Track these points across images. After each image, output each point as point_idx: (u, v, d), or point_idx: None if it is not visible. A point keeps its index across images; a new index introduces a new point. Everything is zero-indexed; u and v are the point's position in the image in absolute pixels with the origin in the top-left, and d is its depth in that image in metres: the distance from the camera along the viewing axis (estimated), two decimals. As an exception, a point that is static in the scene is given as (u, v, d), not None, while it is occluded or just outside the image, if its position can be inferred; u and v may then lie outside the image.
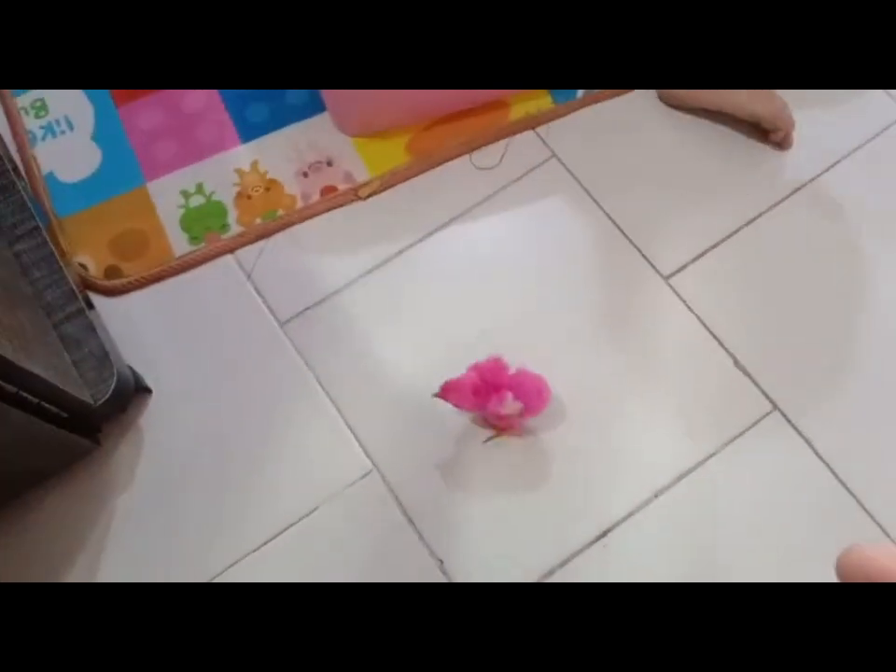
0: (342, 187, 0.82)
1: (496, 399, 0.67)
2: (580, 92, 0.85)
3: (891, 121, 0.85)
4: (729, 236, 0.80)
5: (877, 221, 0.81)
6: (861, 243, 0.80)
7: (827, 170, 0.83)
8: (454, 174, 0.82)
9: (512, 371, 0.69)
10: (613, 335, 0.76)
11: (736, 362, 0.74)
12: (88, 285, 0.78)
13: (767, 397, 0.73)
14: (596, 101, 0.85)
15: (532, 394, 0.68)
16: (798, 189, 0.82)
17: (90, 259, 0.79)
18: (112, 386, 0.65)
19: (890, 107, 0.85)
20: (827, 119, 0.84)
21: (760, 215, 0.81)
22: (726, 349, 0.75)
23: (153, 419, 0.73)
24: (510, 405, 0.67)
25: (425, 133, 0.84)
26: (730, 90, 0.82)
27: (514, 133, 0.84)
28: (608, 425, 0.72)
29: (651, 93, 0.86)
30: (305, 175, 0.83)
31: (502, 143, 0.84)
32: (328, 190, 0.82)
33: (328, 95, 0.81)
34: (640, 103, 0.86)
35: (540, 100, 0.85)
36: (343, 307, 0.77)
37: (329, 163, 0.83)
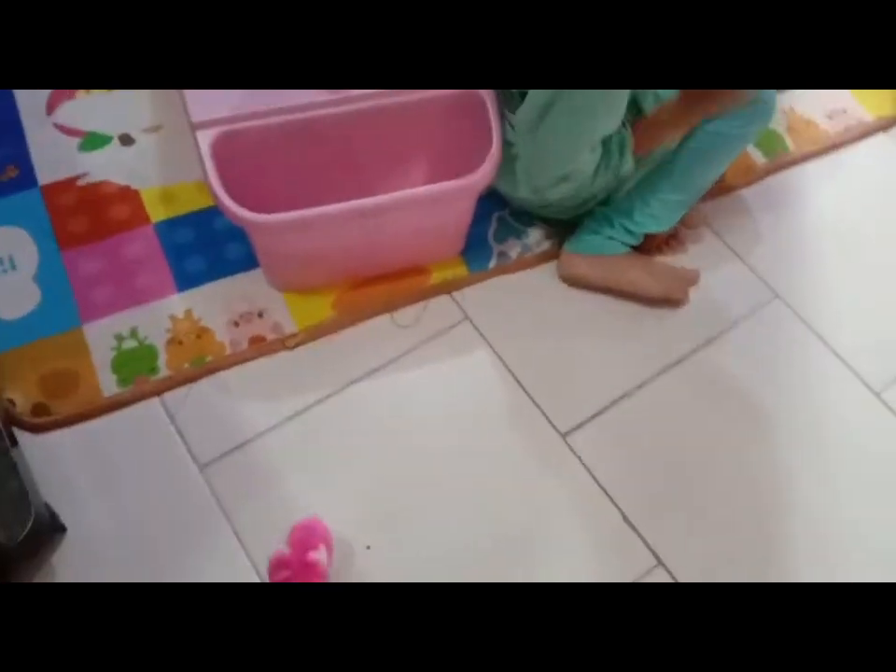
0: (270, 337, 0.88)
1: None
2: (491, 263, 0.95)
3: (766, 301, 0.97)
4: (624, 396, 0.89)
5: (759, 387, 0.91)
6: (745, 406, 0.90)
7: (712, 340, 0.93)
8: (375, 330, 0.90)
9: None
10: (513, 488, 0.82)
11: (625, 517, 0.81)
12: (14, 421, 0.80)
13: (653, 552, 0.79)
14: (506, 272, 0.95)
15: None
16: (687, 355, 0.92)
17: (19, 396, 0.82)
18: (28, 527, 0.66)
19: (762, 290, 0.97)
20: (715, 296, 0.96)
21: (653, 377, 0.90)
22: (616, 505, 0.81)
23: (66, 558, 0.74)
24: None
25: (350, 292, 0.92)
26: (624, 269, 0.93)
27: (432, 295, 0.93)
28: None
29: (554, 269, 0.96)
30: (236, 324, 0.89)
31: (421, 304, 0.92)
32: (256, 340, 0.88)
33: (261, 254, 0.89)
34: (545, 275, 0.96)
35: (457, 268, 0.95)
36: (262, 453, 0.82)
37: (260, 315, 0.90)
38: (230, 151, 0.77)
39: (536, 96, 0.79)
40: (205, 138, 0.76)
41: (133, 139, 1.02)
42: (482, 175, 0.80)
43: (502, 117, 0.83)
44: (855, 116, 1.12)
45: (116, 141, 1.02)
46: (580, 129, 0.82)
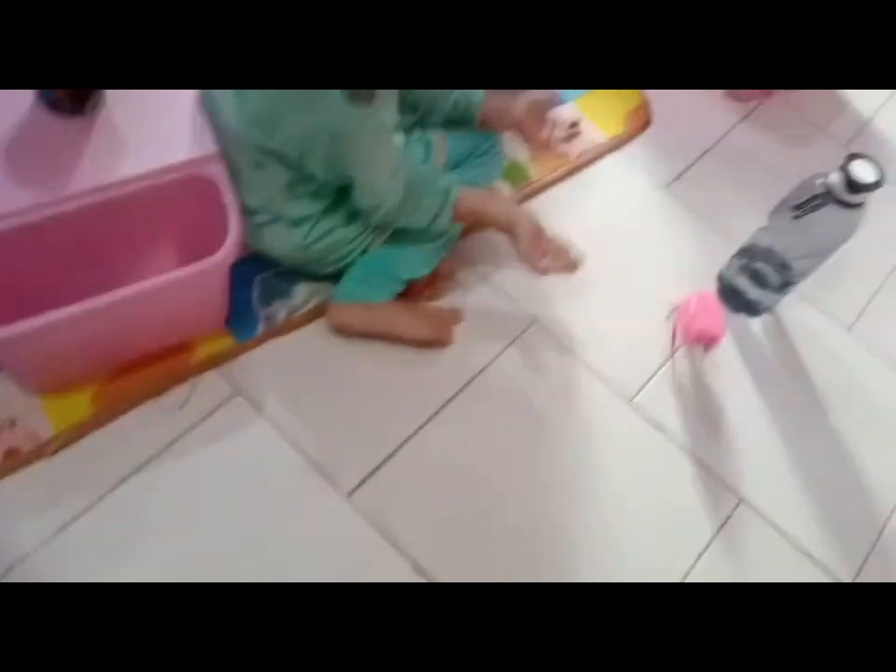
0: (26, 447, 0.83)
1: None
2: (259, 329, 0.95)
3: (526, 327, 1.03)
4: (405, 442, 0.92)
5: (526, 408, 0.97)
6: (521, 424, 0.96)
7: (484, 369, 0.98)
8: (142, 420, 0.87)
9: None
10: (301, 558, 0.84)
11: (416, 566, 0.84)
12: None
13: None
14: (276, 335, 0.96)
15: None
16: (460, 390, 0.96)
17: None
18: None
19: (523, 317, 1.04)
20: (480, 329, 1.01)
21: (431, 418, 0.94)
22: (406, 555, 0.85)
23: None
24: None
25: (111, 383, 0.88)
26: (390, 315, 0.97)
27: (199, 373, 0.91)
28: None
29: (324, 325, 0.98)
30: (-15, 439, 0.83)
31: (188, 384, 0.90)
32: (10, 453, 0.83)
33: (3, 355, 0.84)
34: (317, 332, 0.97)
35: (223, 340, 0.93)
36: (34, 573, 0.78)
37: (12, 424, 0.84)
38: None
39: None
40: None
41: None
42: (223, 256, 0.79)
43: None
44: (590, 139, 1.21)
45: None
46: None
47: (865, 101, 1.38)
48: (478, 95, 1.01)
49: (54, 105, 0.78)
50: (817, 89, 0.99)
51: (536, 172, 1.15)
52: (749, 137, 1.29)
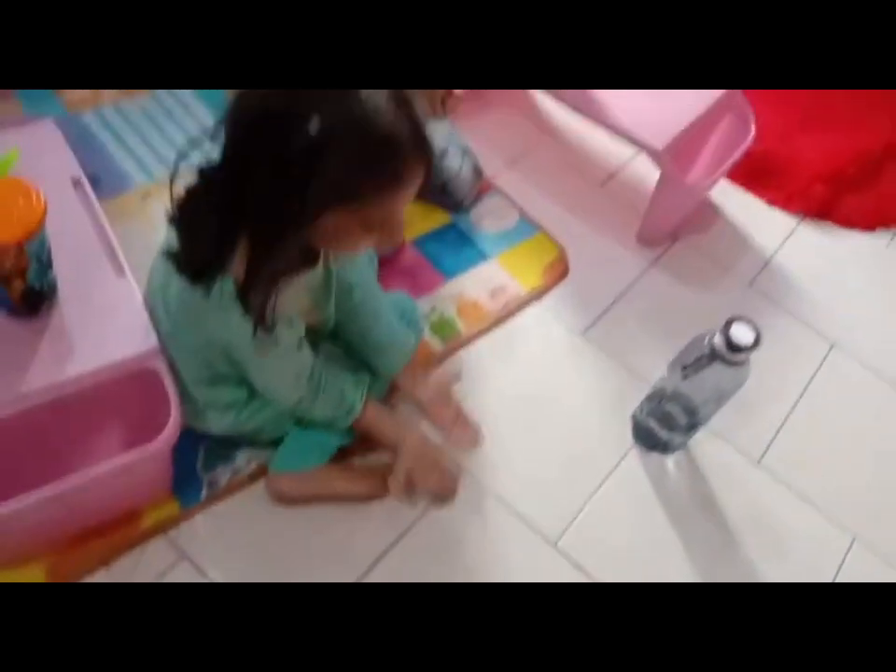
0: (-22, 624, 0.89)
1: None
2: (203, 494, 1.03)
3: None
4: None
5: (459, 558, 1.04)
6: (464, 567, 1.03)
7: (425, 513, 1.06)
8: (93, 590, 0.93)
9: None
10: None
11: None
12: None
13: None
14: (218, 499, 1.03)
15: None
16: (395, 541, 1.03)
17: None
18: None
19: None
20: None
21: (361, 577, 1.01)
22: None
23: None
24: None
25: (62, 556, 0.94)
26: (327, 479, 1.04)
27: (147, 539, 0.98)
28: None
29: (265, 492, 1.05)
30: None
31: (137, 551, 0.97)
32: (-37, 632, 0.88)
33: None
34: (257, 495, 1.05)
35: (169, 506, 1.01)
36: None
37: (-34, 602, 0.90)
38: None
39: None
40: None
41: None
42: (165, 440, 0.88)
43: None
44: (512, 291, 1.32)
45: None
46: None
47: (766, 239, 1.53)
48: (395, 366, 1.10)
49: (12, 310, 0.88)
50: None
51: (464, 327, 1.26)
52: (658, 281, 1.41)
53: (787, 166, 1.62)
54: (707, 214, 1.53)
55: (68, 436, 0.92)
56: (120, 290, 0.93)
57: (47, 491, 0.82)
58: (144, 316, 0.91)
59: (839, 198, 1.60)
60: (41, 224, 0.80)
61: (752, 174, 1.59)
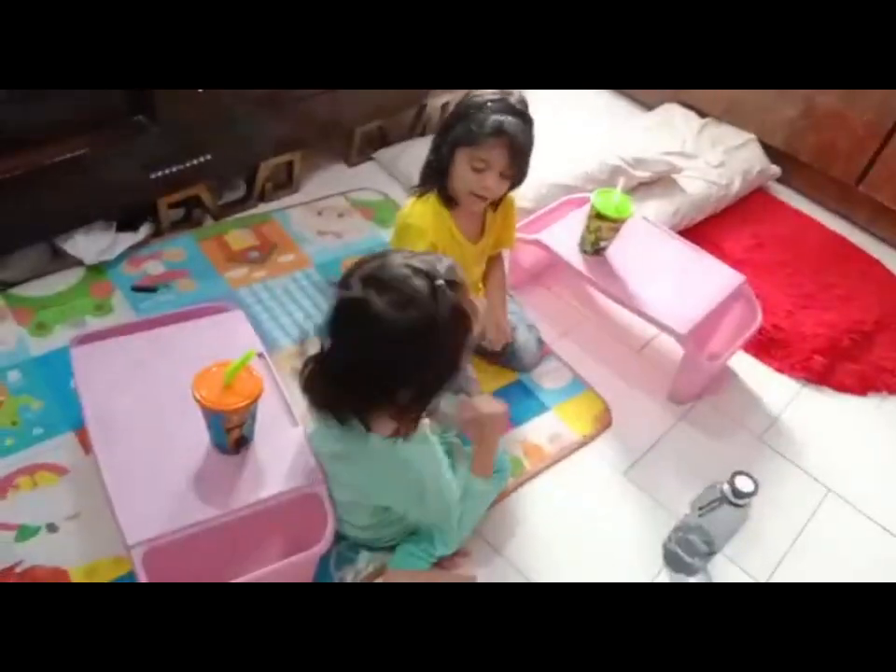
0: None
1: None
2: (335, 589, 1.36)
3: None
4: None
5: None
6: None
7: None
8: None
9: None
10: None
11: None
12: None
13: None
14: (346, 594, 1.36)
15: None
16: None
17: None
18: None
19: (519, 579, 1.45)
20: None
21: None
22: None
23: None
24: None
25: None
26: (429, 579, 1.37)
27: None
28: None
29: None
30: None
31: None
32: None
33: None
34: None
35: (310, 597, 1.34)
36: None
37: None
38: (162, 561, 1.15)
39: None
40: (138, 555, 1.14)
41: (57, 527, 1.37)
42: (321, 548, 1.22)
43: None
44: (567, 437, 1.68)
45: (44, 530, 1.36)
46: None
47: (774, 400, 1.87)
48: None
49: (224, 450, 1.26)
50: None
51: (529, 465, 1.61)
52: (685, 433, 1.75)
53: (791, 339, 1.98)
54: (725, 378, 1.89)
55: (247, 540, 1.27)
56: (294, 436, 1.31)
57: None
58: (311, 456, 1.29)
59: (835, 366, 1.95)
60: (260, 395, 1.20)
61: (762, 345, 1.96)
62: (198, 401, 1.17)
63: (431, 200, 1.54)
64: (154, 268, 1.87)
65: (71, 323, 1.70)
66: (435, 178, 1.52)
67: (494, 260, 1.74)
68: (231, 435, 1.23)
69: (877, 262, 2.33)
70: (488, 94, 1.43)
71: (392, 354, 1.06)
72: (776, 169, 2.52)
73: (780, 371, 1.94)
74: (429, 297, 1.04)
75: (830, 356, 1.96)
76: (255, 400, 1.20)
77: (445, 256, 1.13)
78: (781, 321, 2.01)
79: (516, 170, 1.46)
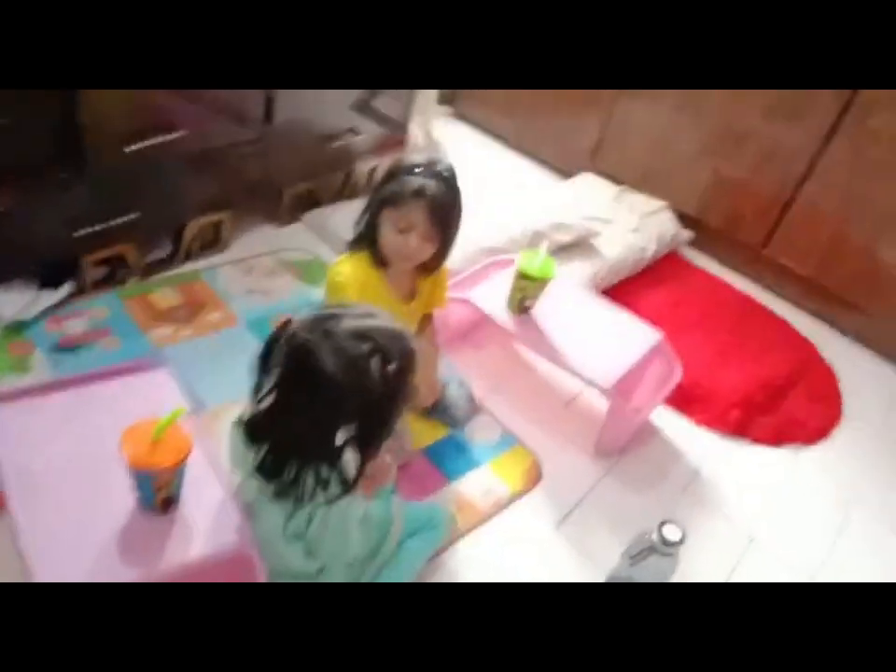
0: None
1: None
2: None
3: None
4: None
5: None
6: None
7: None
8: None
9: None
10: None
11: None
12: None
13: None
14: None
15: None
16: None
17: None
18: None
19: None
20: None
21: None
22: None
23: None
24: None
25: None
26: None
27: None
28: None
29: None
30: None
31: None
32: None
33: None
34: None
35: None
36: None
37: None
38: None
39: (295, 514, 1.22)
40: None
41: (-38, 599, 1.28)
42: (253, 608, 1.19)
43: None
44: (500, 492, 1.69)
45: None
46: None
47: (696, 453, 1.94)
48: None
49: (151, 510, 1.22)
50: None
51: (462, 521, 1.61)
52: (612, 485, 1.79)
53: (709, 394, 2.07)
54: (648, 432, 1.95)
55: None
56: (221, 496, 1.28)
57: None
58: (238, 515, 1.26)
59: (752, 420, 2.04)
60: (189, 453, 1.17)
61: (683, 399, 2.03)
62: (125, 459, 1.13)
63: (362, 259, 1.57)
64: (76, 326, 1.82)
65: (-12, 382, 1.63)
66: (365, 238, 1.55)
67: (425, 320, 1.76)
68: (160, 494, 1.19)
69: (785, 322, 2.47)
70: (416, 160, 1.48)
71: (331, 411, 1.08)
72: (688, 234, 2.67)
73: (700, 424, 2.02)
74: (378, 377, 1.08)
75: (746, 409, 2.05)
76: (184, 458, 1.17)
77: (401, 327, 1.16)
78: (700, 377, 2.10)
79: (438, 232, 1.50)
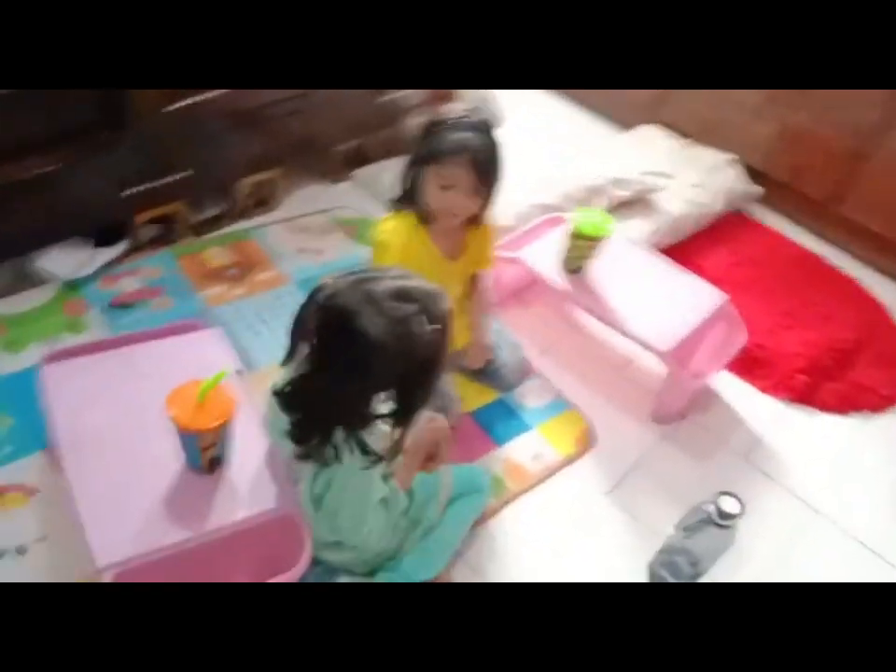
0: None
1: None
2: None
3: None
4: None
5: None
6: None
7: None
8: None
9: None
10: None
11: None
12: None
13: None
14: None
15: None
16: None
17: None
18: None
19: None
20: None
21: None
22: None
23: None
24: None
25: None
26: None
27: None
28: None
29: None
30: None
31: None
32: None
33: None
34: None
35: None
36: None
37: None
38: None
39: (318, 476, 1.21)
40: (109, 578, 1.09)
41: (26, 549, 1.31)
42: (297, 572, 1.19)
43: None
44: (550, 457, 1.66)
45: (13, 552, 1.30)
46: (359, 498, 1.24)
47: (758, 420, 1.86)
48: None
49: (199, 469, 1.22)
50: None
51: (511, 485, 1.58)
52: (668, 453, 1.73)
53: (773, 358, 1.97)
54: (708, 398, 1.87)
55: (225, 563, 1.23)
56: (269, 457, 1.27)
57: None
58: (285, 477, 1.25)
59: (818, 386, 1.94)
60: (233, 415, 1.16)
61: (745, 364, 1.95)
62: (171, 421, 1.13)
63: (407, 216, 1.52)
64: (129, 285, 1.83)
65: (44, 340, 1.66)
66: (409, 196, 1.51)
67: (475, 280, 1.72)
68: (206, 455, 1.19)
69: (854, 281, 2.34)
70: (454, 112, 1.42)
71: (374, 376, 1.05)
72: (758, 189, 2.54)
73: (763, 390, 1.93)
74: (423, 340, 1.04)
75: (812, 375, 1.95)
76: (227, 421, 1.16)
77: (438, 288, 1.11)
78: (764, 340, 2.01)
79: (483, 186, 1.44)
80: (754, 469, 1.74)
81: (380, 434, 1.14)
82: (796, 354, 1.99)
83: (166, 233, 1.96)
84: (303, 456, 1.16)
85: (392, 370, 1.05)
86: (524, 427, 1.71)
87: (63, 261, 1.73)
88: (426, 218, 1.52)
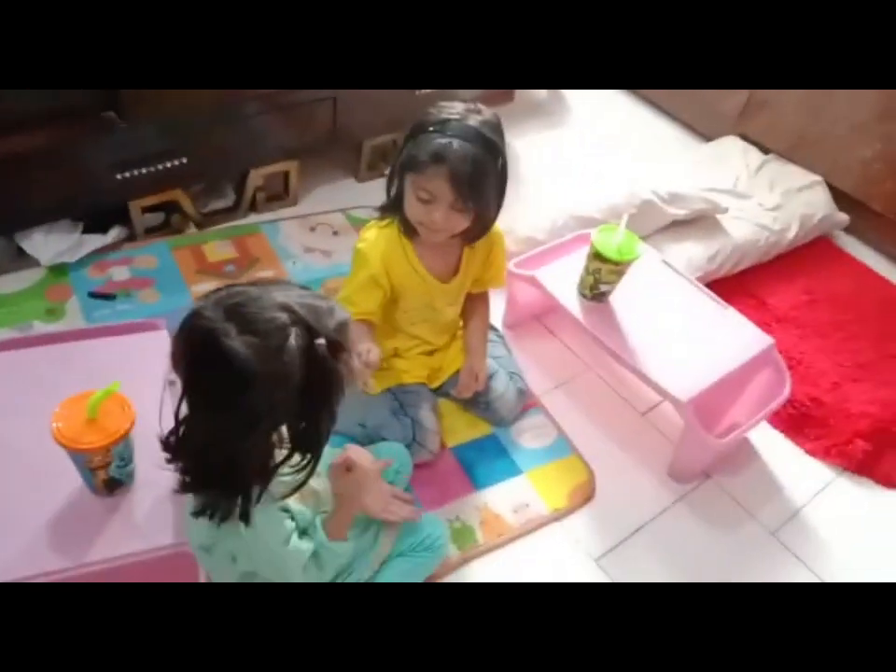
0: None
1: None
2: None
3: None
4: None
5: None
6: None
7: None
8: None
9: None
10: None
11: None
12: None
13: None
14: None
15: None
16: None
17: None
18: None
19: None
20: None
21: None
22: None
23: None
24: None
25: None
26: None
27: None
28: None
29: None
30: None
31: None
32: None
33: None
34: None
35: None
36: None
37: None
38: None
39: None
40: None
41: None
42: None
43: None
44: (535, 509, 1.44)
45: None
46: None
47: (799, 489, 1.57)
48: None
49: (94, 490, 1.09)
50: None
51: (483, 537, 1.38)
52: (682, 518, 1.48)
53: (831, 417, 1.67)
54: (744, 455, 1.60)
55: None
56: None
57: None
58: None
59: (881, 455, 1.63)
60: (128, 432, 1.03)
61: (795, 421, 1.66)
62: (52, 436, 1.00)
63: (390, 227, 1.35)
64: (119, 274, 1.74)
65: (15, 325, 1.59)
66: (394, 205, 1.33)
67: (476, 300, 1.52)
68: (97, 476, 1.06)
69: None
70: (447, 111, 1.23)
71: (251, 409, 0.86)
72: (843, 217, 2.21)
73: (812, 453, 1.64)
74: (299, 354, 0.84)
75: (876, 441, 1.64)
76: (119, 439, 1.02)
77: (340, 307, 0.93)
78: (823, 394, 1.71)
79: (467, 202, 1.23)
80: (783, 549, 1.46)
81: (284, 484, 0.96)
82: (861, 414, 1.68)
83: (167, 222, 1.86)
84: (198, 514, 0.95)
85: (269, 396, 0.85)
86: (512, 471, 1.50)
87: (47, 244, 1.65)
88: (411, 230, 1.34)
